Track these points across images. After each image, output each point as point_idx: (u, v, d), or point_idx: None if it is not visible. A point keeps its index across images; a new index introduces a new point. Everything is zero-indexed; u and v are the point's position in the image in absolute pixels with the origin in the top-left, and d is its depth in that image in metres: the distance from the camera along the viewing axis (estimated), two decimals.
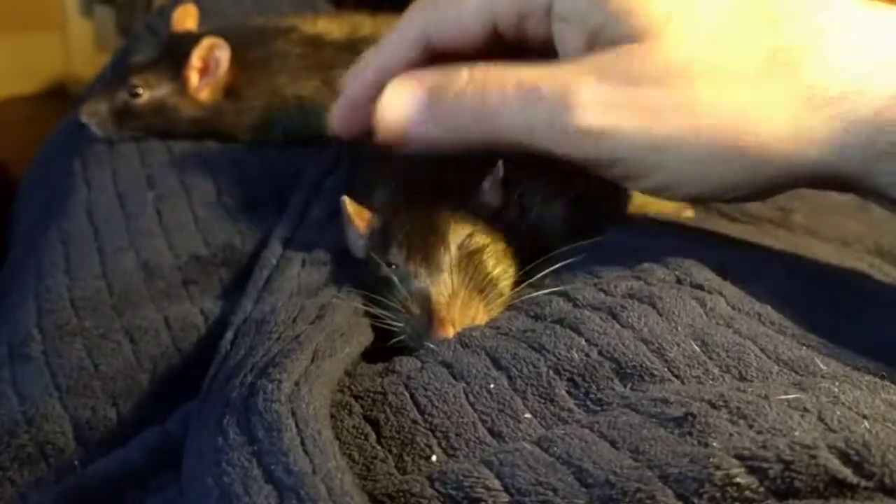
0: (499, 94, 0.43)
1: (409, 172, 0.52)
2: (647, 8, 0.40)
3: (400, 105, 0.45)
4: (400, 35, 0.47)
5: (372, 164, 0.56)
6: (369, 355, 0.43)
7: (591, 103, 0.40)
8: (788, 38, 0.39)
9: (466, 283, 0.46)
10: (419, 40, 0.46)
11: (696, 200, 0.50)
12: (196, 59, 0.73)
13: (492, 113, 0.43)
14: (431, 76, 0.45)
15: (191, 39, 0.74)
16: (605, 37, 0.41)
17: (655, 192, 0.44)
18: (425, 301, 0.45)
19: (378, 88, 0.46)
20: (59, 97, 2.18)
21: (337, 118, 0.51)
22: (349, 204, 0.51)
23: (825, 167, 0.40)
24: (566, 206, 0.53)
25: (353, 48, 0.78)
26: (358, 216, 0.51)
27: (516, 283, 0.48)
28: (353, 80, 0.49)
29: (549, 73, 0.42)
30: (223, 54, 0.72)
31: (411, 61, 0.47)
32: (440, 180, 0.51)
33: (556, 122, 0.41)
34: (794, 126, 0.39)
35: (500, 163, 0.49)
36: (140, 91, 0.73)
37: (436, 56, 0.47)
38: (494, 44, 0.46)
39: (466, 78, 0.44)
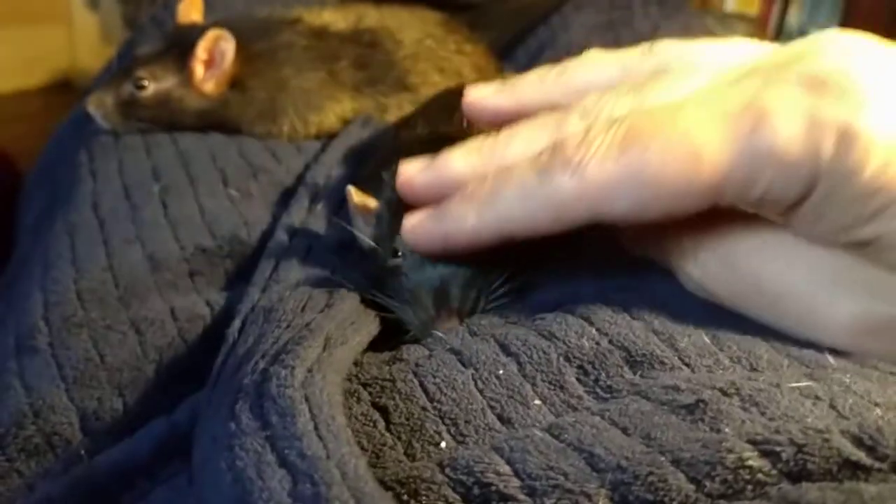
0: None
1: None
2: (883, 212, 0.32)
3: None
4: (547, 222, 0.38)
5: (379, 155, 0.56)
6: (374, 344, 0.43)
7: (852, 331, 0.35)
8: None
9: (472, 272, 0.46)
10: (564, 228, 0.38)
11: None
12: (201, 51, 0.73)
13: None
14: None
15: (196, 31, 0.74)
16: (880, 252, 0.34)
17: None
18: (432, 291, 0.45)
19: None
20: (65, 90, 2.18)
21: None
22: (355, 193, 0.51)
23: None
24: None
25: (357, 39, 0.79)
26: (364, 205, 0.51)
27: (522, 272, 0.48)
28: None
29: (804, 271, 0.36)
30: (228, 46, 0.72)
31: None
32: None
33: (801, 329, 0.37)
34: None
35: None
36: (146, 83, 0.73)
37: None
38: None
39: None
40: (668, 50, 0.42)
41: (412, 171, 0.43)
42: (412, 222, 0.42)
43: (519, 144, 0.40)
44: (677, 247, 0.40)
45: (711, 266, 0.38)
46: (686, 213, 0.36)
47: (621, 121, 0.35)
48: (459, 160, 0.42)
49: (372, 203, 0.51)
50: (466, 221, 0.40)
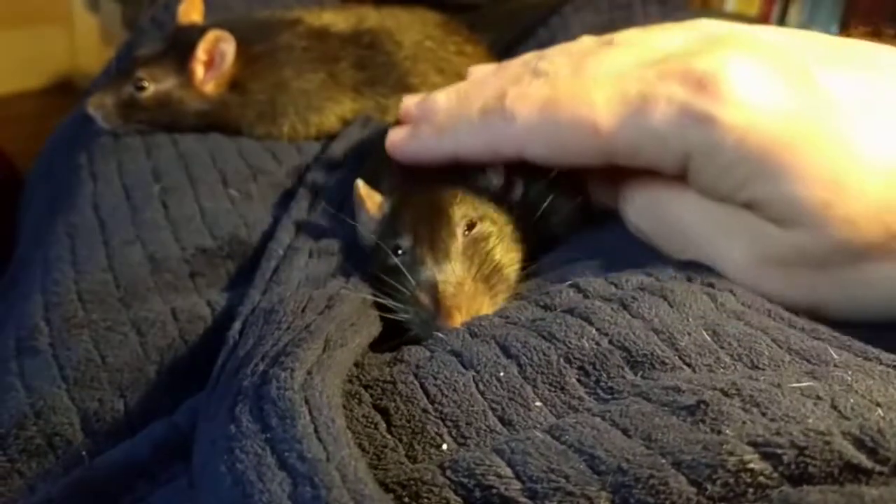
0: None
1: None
2: (804, 197, 0.40)
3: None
4: (483, 147, 0.50)
5: (381, 153, 0.56)
6: (376, 345, 0.43)
7: (745, 270, 0.43)
8: None
9: (473, 271, 0.46)
10: (504, 159, 0.50)
11: None
12: (201, 52, 0.72)
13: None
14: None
15: (196, 32, 0.74)
16: (760, 210, 0.42)
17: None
18: (432, 290, 0.45)
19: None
20: (66, 91, 2.18)
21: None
22: (362, 187, 0.51)
23: None
24: (574, 197, 0.53)
25: (358, 40, 0.78)
26: (369, 199, 0.51)
27: (522, 272, 0.48)
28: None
29: (704, 221, 0.45)
30: (228, 47, 0.72)
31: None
32: (447, 166, 0.51)
33: (723, 272, 0.44)
34: None
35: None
36: (146, 84, 0.73)
37: None
38: None
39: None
40: (628, 32, 0.51)
41: (411, 101, 0.56)
42: (395, 135, 0.54)
43: (485, 90, 0.51)
44: (622, 194, 0.49)
45: (643, 211, 0.48)
46: (591, 164, 0.46)
47: (553, 83, 0.47)
48: (441, 97, 0.54)
49: (377, 197, 0.51)
50: (430, 144, 0.51)
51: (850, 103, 0.41)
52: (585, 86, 0.46)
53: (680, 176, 0.45)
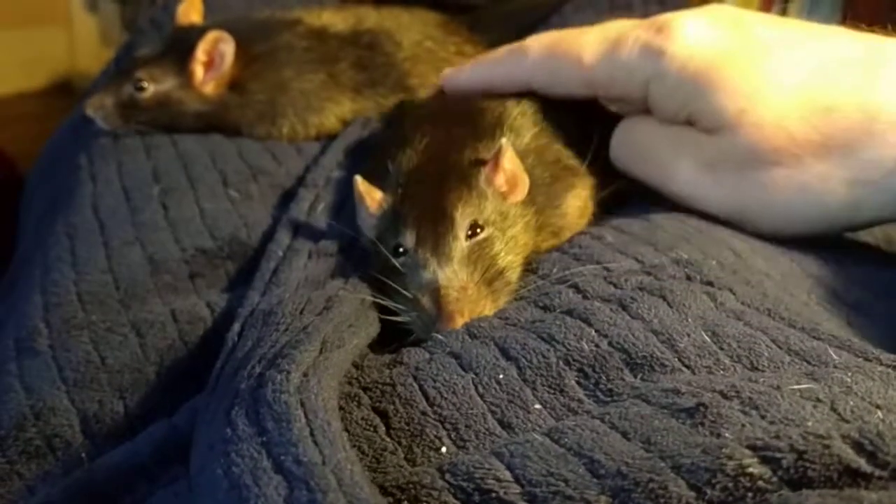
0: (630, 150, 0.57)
1: (419, 156, 0.53)
2: (723, 104, 0.50)
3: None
4: (504, 76, 0.61)
5: (383, 151, 0.56)
6: (376, 347, 0.43)
7: (687, 180, 0.53)
8: (839, 125, 0.47)
9: (475, 273, 0.46)
10: (520, 86, 0.59)
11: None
12: (201, 53, 0.72)
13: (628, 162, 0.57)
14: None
15: (195, 33, 0.73)
16: (696, 123, 0.52)
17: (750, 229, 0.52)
18: (434, 292, 0.45)
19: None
20: (65, 93, 2.17)
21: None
22: (361, 183, 0.51)
23: (883, 219, 0.50)
24: (574, 194, 0.53)
25: (357, 41, 0.78)
26: (369, 195, 0.51)
27: (526, 272, 0.48)
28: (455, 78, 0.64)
29: (659, 140, 0.55)
30: (228, 48, 0.72)
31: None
32: (450, 164, 0.51)
33: (664, 184, 0.54)
34: (850, 197, 0.48)
35: (504, 141, 0.49)
36: (145, 85, 0.73)
37: None
38: None
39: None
40: None
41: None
42: (449, 71, 0.64)
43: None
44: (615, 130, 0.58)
45: (618, 141, 0.57)
46: (579, 95, 0.57)
47: (558, 33, 0.59)
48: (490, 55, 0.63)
49: (377, 193, 0.51)
50: (465, 73, 0.62)
51: (774, 42, 0.50)
52: (583, 31, 0.57)
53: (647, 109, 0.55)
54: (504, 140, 0.49)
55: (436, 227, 0.47)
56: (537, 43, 0.59)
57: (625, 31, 0.54)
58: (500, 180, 0.50)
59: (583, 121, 0.57)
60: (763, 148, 0.49)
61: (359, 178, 0.51)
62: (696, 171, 0.52)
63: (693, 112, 0.51)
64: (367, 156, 0.62)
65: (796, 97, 0.48)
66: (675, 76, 0.51)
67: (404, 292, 0.46)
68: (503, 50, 0.61)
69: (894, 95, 0.47)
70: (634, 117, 0.57)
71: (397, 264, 0.47)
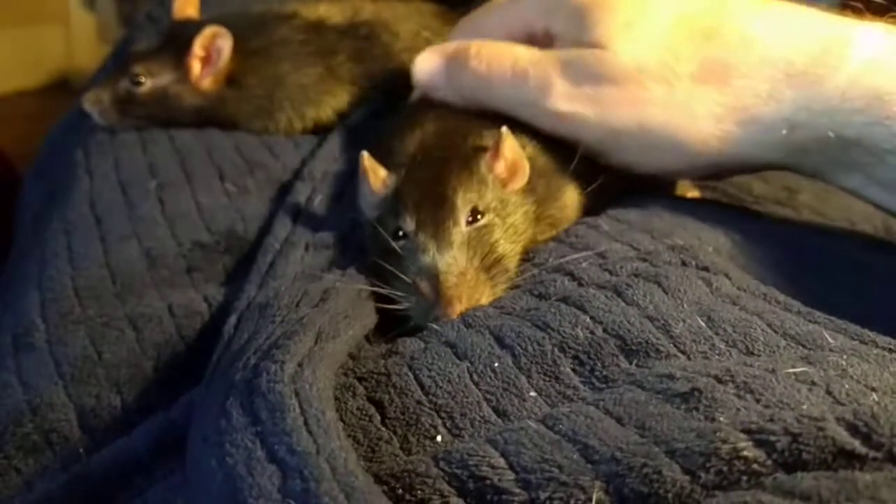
0: (498, 70, 0.54)
1: (424, 141, 0.53)
2: (608, 20, 0.51)
3: (426, 72, 0.58)
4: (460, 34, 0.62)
5: (389, 134, 0.56)
6: (372, 337, 0.43)
7: (562, 93, 0.52)
8: (718, 51, 0.49)
9: (474, 259, 0.46)
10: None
11: (659, 175, 0.56)
12: (198, 48, 0.72)
13: (491, 86, 0.55)
14: (453, 48, 0.58)
15: (192, 28, 0.73)
16: (583, 42, 0.52)
17: (622, 167, 0.54)
18: (433, 277, 0.45)
19: None
20: (63, 90, 2.17)
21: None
22: (367, 159, 0.51)
23: (752, 160, 0.51)
24: (573, 184, 0.53)
25: (354, 33, 0.78)
26: (373, 173, 0.50)
27: (522, 261, 0.48)
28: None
29: (536, 59, 0.53)
30: (225, 43, 0.72)
31: None
32: (453, 149, 0.51)
33: (537, 103, 0.53)
34: (719, 128, 0.49)
35: (504, 129, 0.49)
36: (142, 79, 0.73)
37: None
38: None
39: (474, 54, 0.56)
40: None
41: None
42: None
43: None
44: None
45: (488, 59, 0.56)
46: (530, 29, 0.56)
47: None
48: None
49: (382, 172, 0.51)
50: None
51: None
52: None
53: None
54: (504, 127, 0.49)
55: (436, 212, 0.47)
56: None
57: None
58: (501, 167, 0.50)
59: None
60: (645, 62, 0.50)
61: (365, 154, 0.51)
62: (574, 86, 0.52)
63: (578, 26, 0.52)
64: (367, 146, 0.62)
65: (681, 18, 0.50)
66: (571, 6, 0.53)
67: (403, 277, 0.46)
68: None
69: (770, 32, 0.49)
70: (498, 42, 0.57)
71: (397, 247, 0.47)
